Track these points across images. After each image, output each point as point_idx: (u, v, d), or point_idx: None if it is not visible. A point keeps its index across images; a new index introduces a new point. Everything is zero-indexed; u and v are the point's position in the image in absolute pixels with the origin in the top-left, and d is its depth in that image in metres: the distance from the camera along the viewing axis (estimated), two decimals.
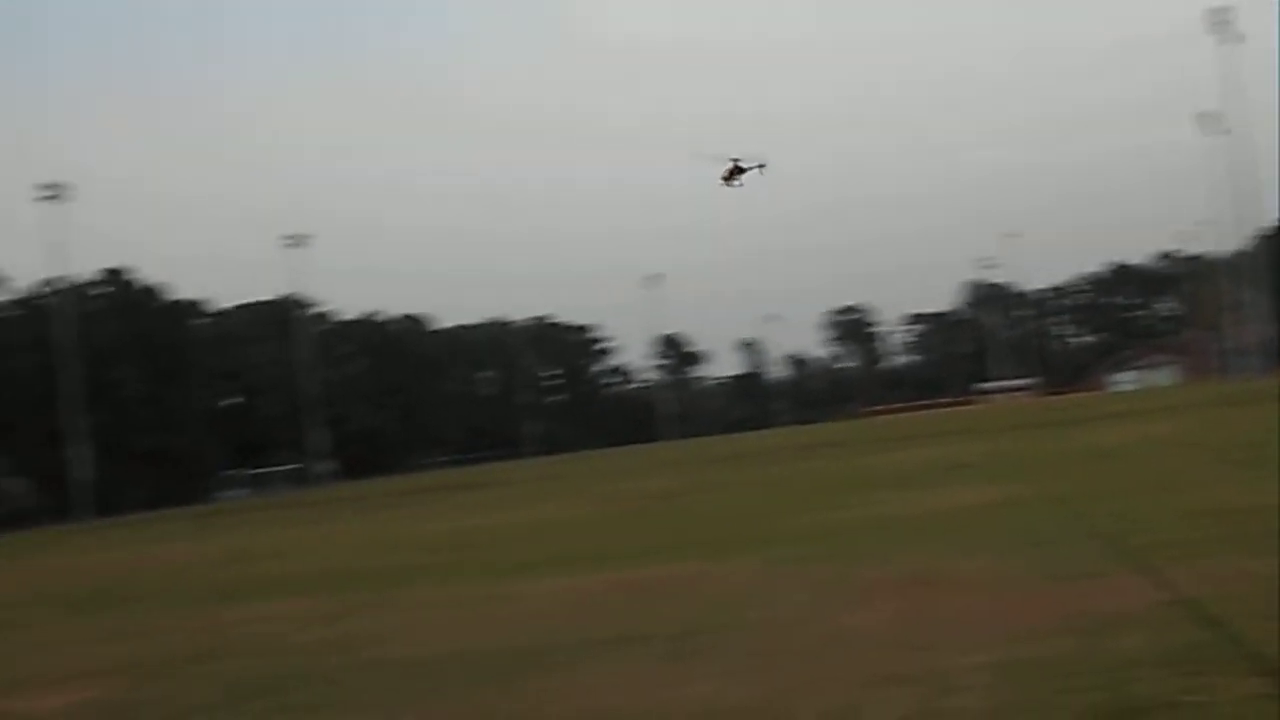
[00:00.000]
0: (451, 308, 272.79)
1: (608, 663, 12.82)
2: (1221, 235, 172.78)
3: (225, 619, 20.60)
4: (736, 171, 55.76)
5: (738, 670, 11.68)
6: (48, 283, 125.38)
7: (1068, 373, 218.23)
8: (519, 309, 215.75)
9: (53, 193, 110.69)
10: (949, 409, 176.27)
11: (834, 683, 10.66)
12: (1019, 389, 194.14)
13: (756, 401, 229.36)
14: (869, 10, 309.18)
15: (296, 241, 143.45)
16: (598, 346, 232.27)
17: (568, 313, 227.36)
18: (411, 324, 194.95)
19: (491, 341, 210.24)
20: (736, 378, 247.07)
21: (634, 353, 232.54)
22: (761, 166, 55.75)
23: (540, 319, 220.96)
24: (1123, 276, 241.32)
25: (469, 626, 16.59)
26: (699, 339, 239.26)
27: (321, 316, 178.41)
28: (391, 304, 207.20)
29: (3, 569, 45.91)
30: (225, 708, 12.90)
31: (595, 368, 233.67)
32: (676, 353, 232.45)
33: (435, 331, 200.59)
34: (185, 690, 14.18)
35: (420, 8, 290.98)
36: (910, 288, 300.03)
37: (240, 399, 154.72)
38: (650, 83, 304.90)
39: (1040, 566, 15.71)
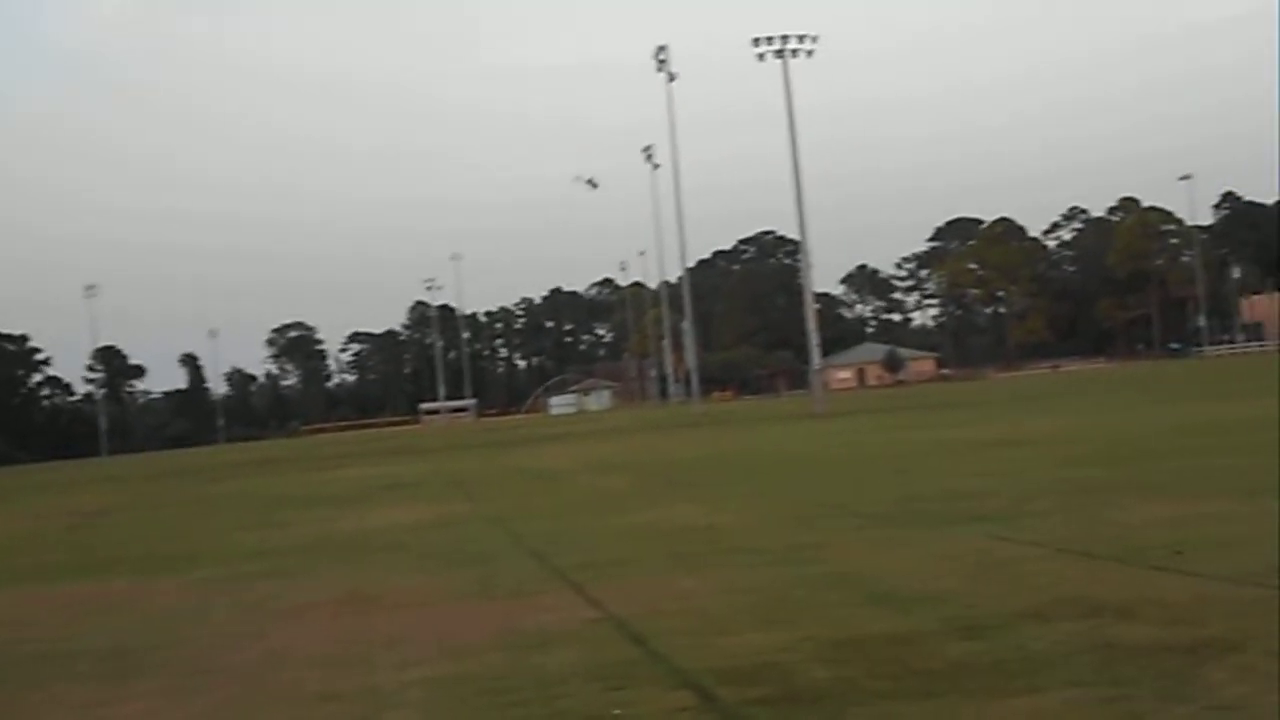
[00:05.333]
0: None
1: (35, 680, 12.28)
2: (658, 265, 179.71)
3: None
4: None
5: (171, 690, 11.36)
6: None
7: (508, 395, 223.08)
8: None
9: None
10: (390, 428, 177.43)
11: (268, 701, 10.53)
12: (459, 410, 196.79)
13: (197, 418, 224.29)
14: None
15: None
16: (33, 357, 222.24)
17: (2, 321, 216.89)
18: None
19: None
20: (176, 393, 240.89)
21: (71, 364, 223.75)
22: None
23: None
24: (563, 302, 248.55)
25: None
26: (139, 352, 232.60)
27: None
28: None
29: None
30: None
31: (30, 378, 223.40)
32: (114, 365, 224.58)
33: None
34: None
35: None
36: (357, 307, 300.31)
37: None
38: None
39: (475, 584, 15.95)
